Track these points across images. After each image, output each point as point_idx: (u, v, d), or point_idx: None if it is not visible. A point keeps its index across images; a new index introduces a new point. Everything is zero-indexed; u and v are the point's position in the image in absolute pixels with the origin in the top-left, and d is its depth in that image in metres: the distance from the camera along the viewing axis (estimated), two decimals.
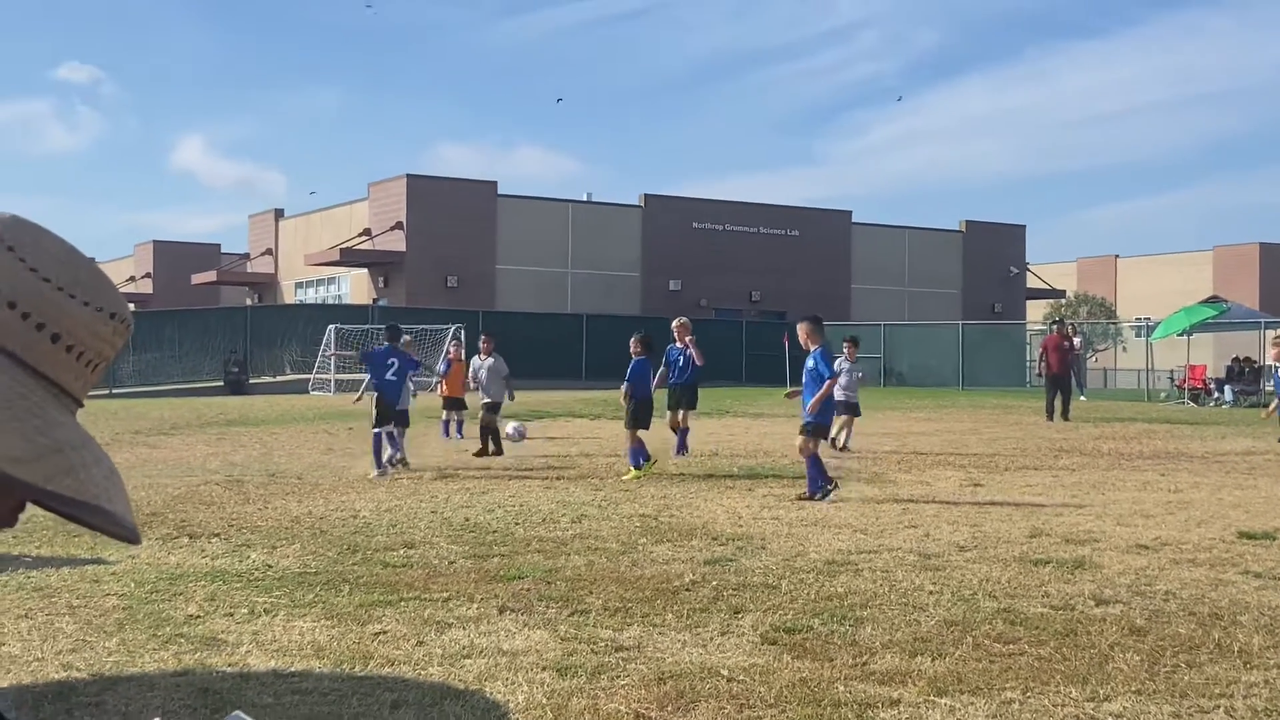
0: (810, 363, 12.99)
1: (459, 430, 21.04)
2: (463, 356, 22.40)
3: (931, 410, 30.85)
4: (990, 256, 62.68)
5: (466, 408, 21.17)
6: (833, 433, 19.62)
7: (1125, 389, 51.61)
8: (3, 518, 1.67)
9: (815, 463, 12.61)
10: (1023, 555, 9.14)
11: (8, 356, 1.58)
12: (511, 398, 19.20)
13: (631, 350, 15.98)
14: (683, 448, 17.59)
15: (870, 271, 59.86)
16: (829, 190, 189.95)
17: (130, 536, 1.68)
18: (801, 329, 13.36)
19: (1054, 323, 29.80)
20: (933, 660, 6.06)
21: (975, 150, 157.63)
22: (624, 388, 15.73)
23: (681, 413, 17.87)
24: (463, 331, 41.58)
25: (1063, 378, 27.06)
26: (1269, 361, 15.00)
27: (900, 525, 10.76)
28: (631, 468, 14.76)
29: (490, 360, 19.10)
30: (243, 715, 1.90)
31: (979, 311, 59.06)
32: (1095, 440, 21.05)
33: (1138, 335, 44.82)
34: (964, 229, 63.49)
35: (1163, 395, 39.16)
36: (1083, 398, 27.01)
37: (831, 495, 12.34)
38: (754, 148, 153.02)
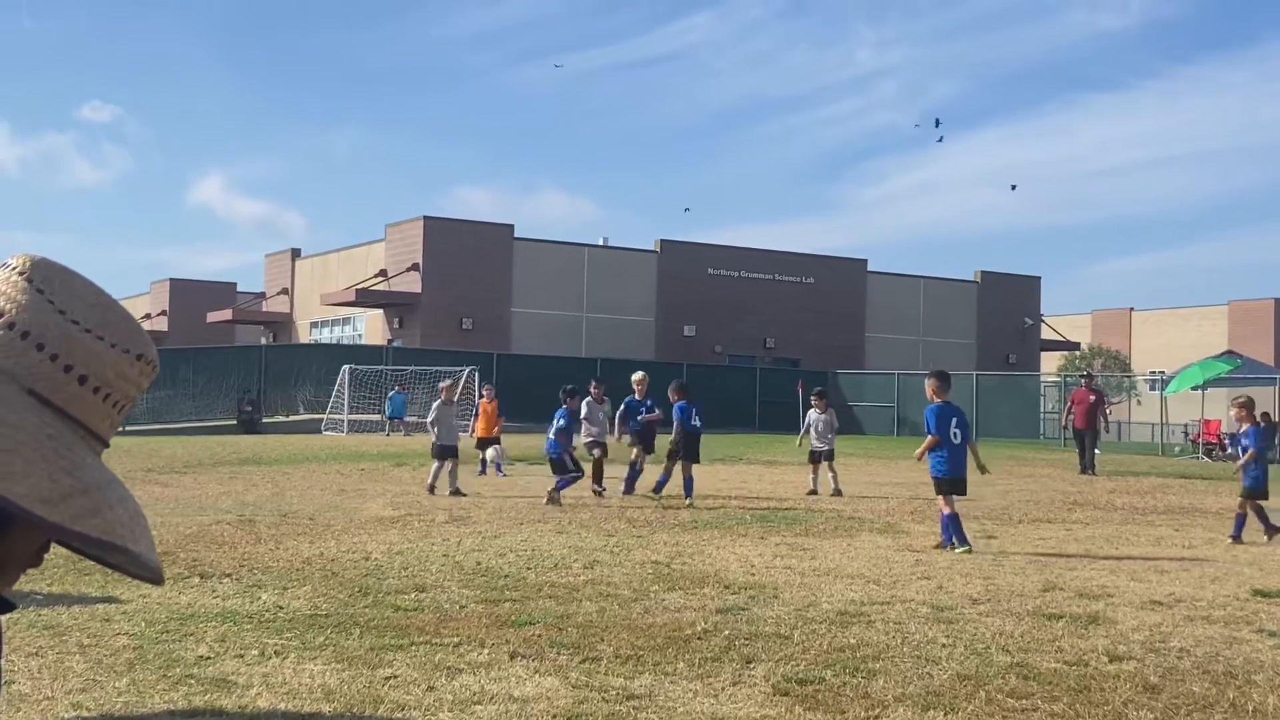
0: (928, 418, 13.42)
1: (498, 468, 22.64)
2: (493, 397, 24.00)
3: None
4: (1005, 307, 62.69)
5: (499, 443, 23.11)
6: (818, 483, 19.74)
7: (1139, 442, 51.39)
8: (30, 558, 1.69)
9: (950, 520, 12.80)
10: (1036, 609, 9.09)
11: (36, 398, 1.60)
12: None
13: (671, 398, 18.04)
14: (630, 489, 18.48)
15: (885, 320, 59.89)
16: (845, 239, 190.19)
17: (154, 577, 1.69)
18: (929, 384, 13.77)
19: (1082, 376, 29.81)
20: (945, 715, 6.02)
21: (991, 201, 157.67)
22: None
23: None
24: (476, 374, 41.67)
25: (1089, 431, 27.06)
26: (1236, 422, 15.08)
27: (913, 576, 10.71)
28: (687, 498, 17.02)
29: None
30: None
31: (993, 362, 59.00)
32: (1109, 494, 20.96)
33: (1152, 389, 44.65)
34: (979, 279, 63.55)
35: (1177, 449, 38.99)
36: (1096, 450, 26.94)
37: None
38: (771, 195, 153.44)
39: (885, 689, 6.55)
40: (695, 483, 17.62)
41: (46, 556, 1.75)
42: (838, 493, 19.44)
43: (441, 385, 20.87)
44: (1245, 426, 14.60)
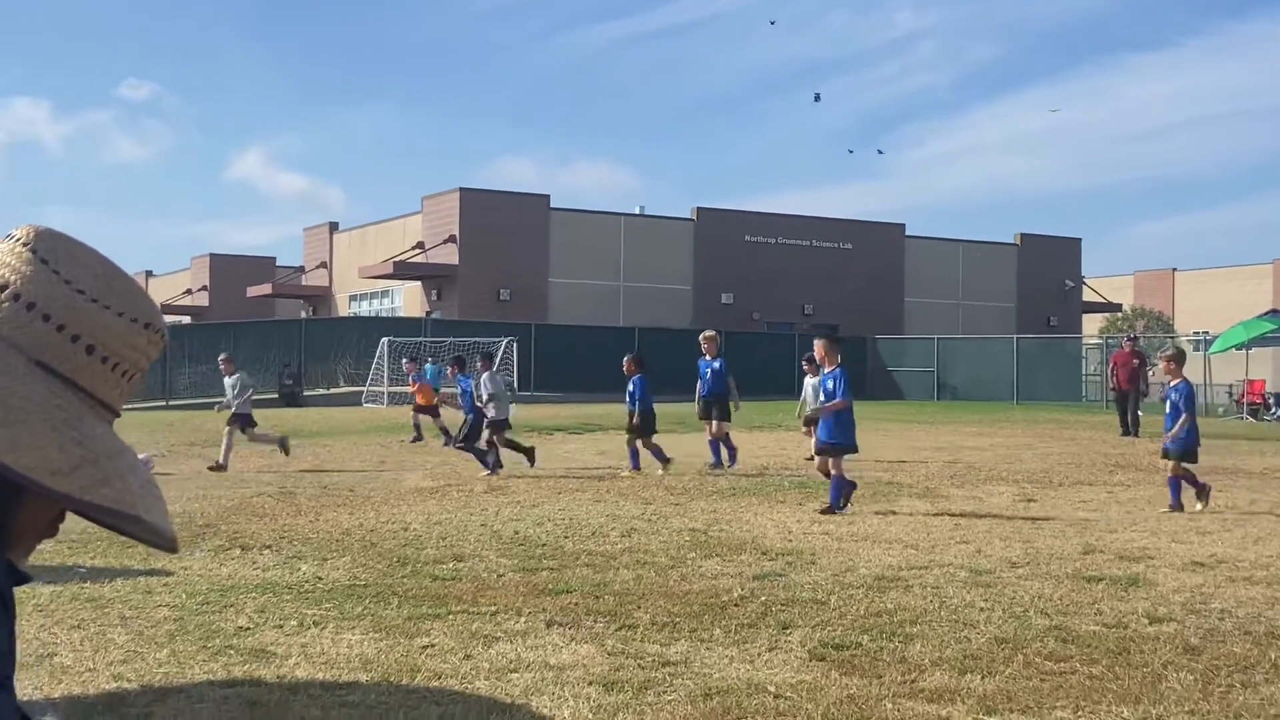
0: (829, 384, 12.85)
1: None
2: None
3: (985, 425, 30.58)
4: (1046, 270, 62.15)
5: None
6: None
7: None
8: (44, 528, 1.69)
9: (841, 481, 12.55)
10: (1076, 572, 9.02)
11: (44, 369, 1.59)
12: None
13: (625, 370, 17.33)
14: (718, 460, 17.61)
15: (924, 285, 59.51)
16: (883, 204, 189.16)
17: (168, 545, 1.69)
18: (819, 346, 13.17)
19: (1127, 339, 29.40)
20: (982, 678, 5.99)
21: (1031, 164, 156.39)
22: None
23: (716, 424, 17.80)
24: (515, 344, 41.76)
25: (1131, 393, 26.73)
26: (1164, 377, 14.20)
27: (952, 541, 10.65)
28: (662, 463, 16.63)
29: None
30: None
31: (1034, 325, 58.56)
32: (1151, 456, 20.75)
33: (1195, 349, 44.24)
34: (1019, 242, 63.00)
35: (1220, 410, 38.58)
36: (1139, 412, 26.59)
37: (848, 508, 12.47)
38: (808, 161, 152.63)
39: (922, 653, 6.52)
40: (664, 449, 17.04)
41: (62, 527, 1.76)
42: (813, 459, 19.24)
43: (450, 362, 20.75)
44: None
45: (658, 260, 53.75)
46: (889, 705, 5.50)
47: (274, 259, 74.11)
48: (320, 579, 8.70)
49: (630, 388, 17.21)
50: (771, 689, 5.77)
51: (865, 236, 58.27)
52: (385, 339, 42.10)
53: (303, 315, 58.09)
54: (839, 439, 12.68)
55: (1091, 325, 65.96)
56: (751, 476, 16.62)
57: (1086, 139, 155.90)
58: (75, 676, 5.95)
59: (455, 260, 50.46)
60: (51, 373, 1.59)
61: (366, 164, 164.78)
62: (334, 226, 61.93)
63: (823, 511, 12.34)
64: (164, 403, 39.43)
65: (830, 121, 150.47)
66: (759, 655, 6.49)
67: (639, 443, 17.00)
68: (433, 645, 6.65)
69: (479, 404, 17.56)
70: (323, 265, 61.77)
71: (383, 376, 41.61)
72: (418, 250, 52.09)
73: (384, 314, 54.56)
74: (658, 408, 18.07)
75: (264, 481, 15.76)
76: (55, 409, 1.54)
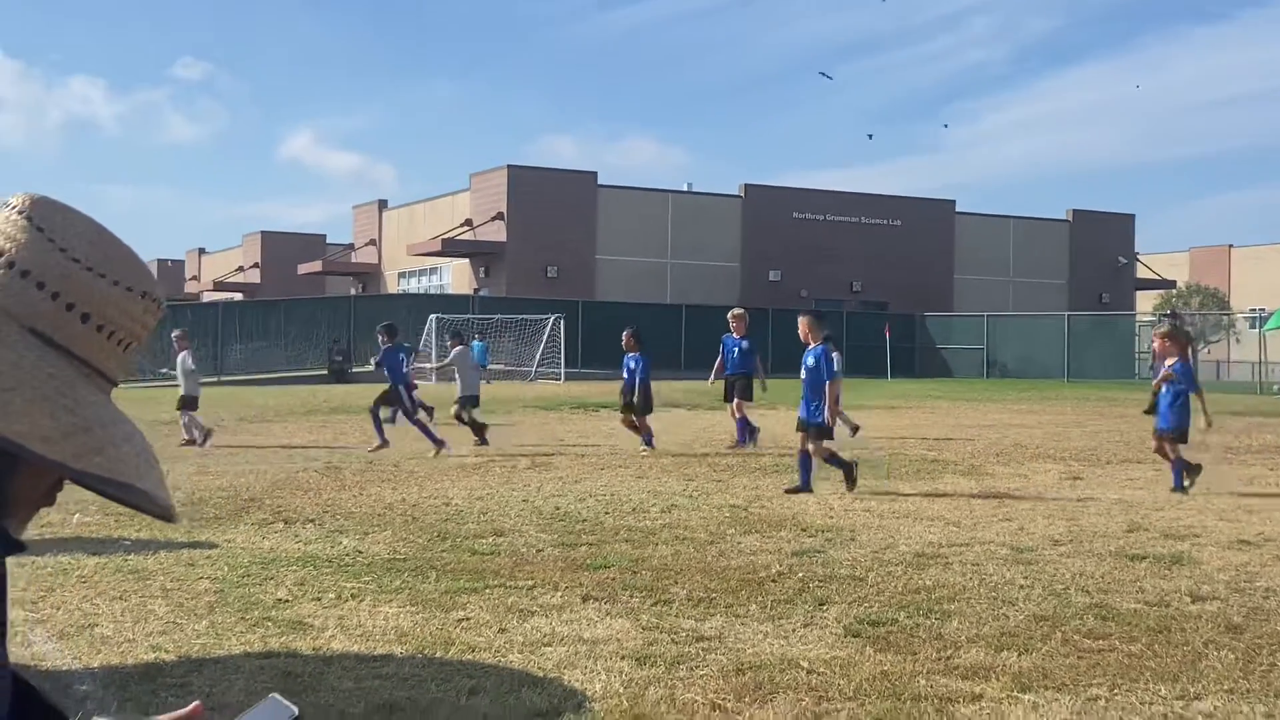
0: (810, 360, 12.45)
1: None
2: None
3: (1034, 402, 30.32)
4: (1098, 246, 61.40)
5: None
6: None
7: (1239, 381, 50.19)
8: (41, 497, 1.68)
9: (818, 461, 12.32)
10: (1119, 550, 8.92)
11: (38, 337, 1.59)
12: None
13: (624, 345, 17.22)
14: (743, 439, 17.35)
15: (974, 262, 58.99)
16: (933, 181, 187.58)
17: (165, 514, 1.68)
18: (802, 323, 12.79)
19: (1164, 315, 28.98)
20: (1019, 655, 5.94)
21: (1085, 139, 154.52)
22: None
23: (736, 401, 17.54)
24: (562, 321, 41.83)
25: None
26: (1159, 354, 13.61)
27: (994, 518, 10.57)
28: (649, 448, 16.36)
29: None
30: (279, 698, 1.90)
31: (1086, 302, 57.94)
32: (1202, 433, 20.49)
33: (1251, 327, 43.58)
34: (1071, 218, 62.28)
35: (1275, 388, 38.04)
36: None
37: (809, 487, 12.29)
38: (857, 139, 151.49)
39: (959, 630, 6.48)
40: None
41: (61, 497, 1.76)
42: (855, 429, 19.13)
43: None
44: None
45: (705, 237, 53.59)
46: (922, 681, 5.46)
47: (324, 236, 74.57)
48: (360, 553, 8.76)
49: (630, 364, 17.01)
50: (805, 664, 5.75)
51: (915, 213, 57.79)
52: (433, 316, 42.30)
53: (352, 292, 58.44)
54: (819, 418, 12.35)
55: (1145, 303, 65.13)
56: (794, 453, 16.53)
57: (1142, 113, 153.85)
58: (114, 647, 6.02)
59: (503, 237, 50.56)
60: (46, 341, 1.59)
61: (417, 142, 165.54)
62: (383, 204, 62.21)
63: (789, 490, 12.13)
64: (216, 379, 39.84)
65: (880, 98, 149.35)
66: (794, 631, 6.47)
67: (633, 419, 16.80)
68: (468, 619, 6.68)
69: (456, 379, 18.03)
70: (372, 243, 62.09)
71: (431, 353, 41.80)
72: (466, 227, 52.23)
73: (432, 291, 54.77)
74: (705, 386, 18.05)
75: (310, 456, 15.89)
76: (48, 377, 1.54)
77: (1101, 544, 9.21)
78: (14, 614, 6.63)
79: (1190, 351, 27.00)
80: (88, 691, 5.26)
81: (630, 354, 17.07)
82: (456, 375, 19.12)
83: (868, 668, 5.70)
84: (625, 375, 17.12)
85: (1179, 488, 12.40)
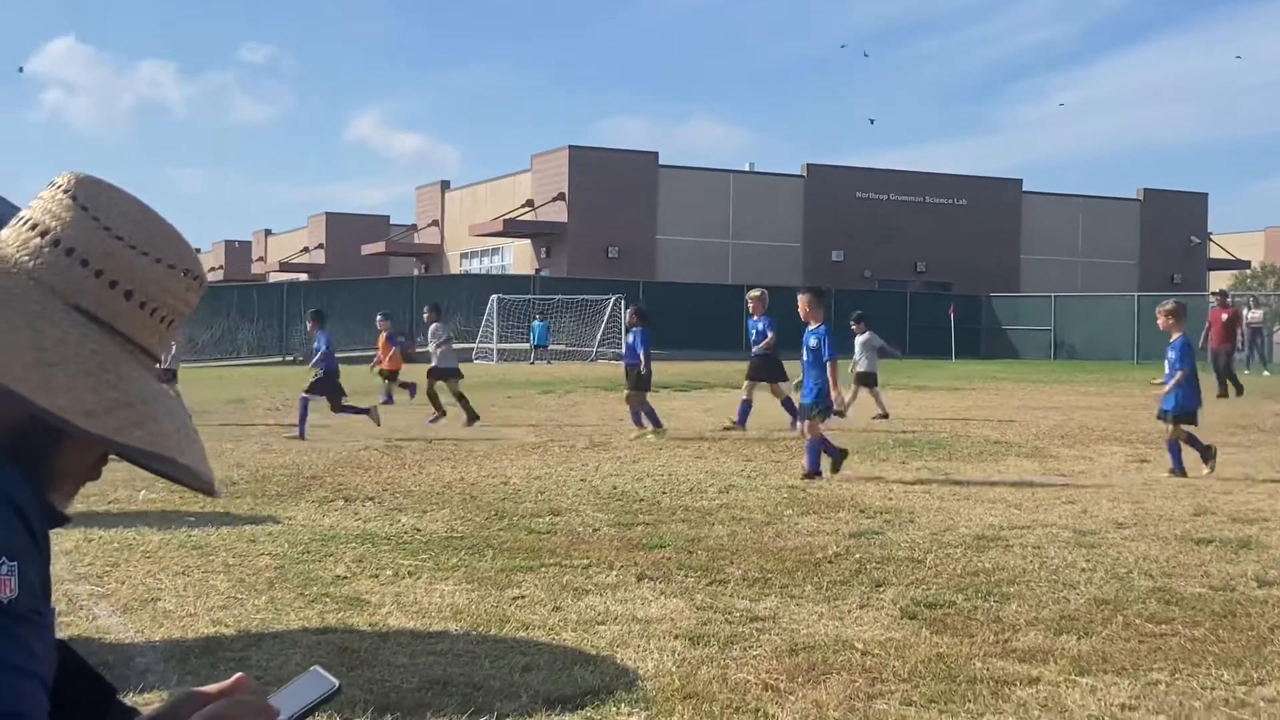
0: (813, 341, 12.06)
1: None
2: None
3: (1103, 384, 29.92)
4: (1170, 226, 60.43)
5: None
6: (881, 404, 19.27)
7: None
8: (86, 471, 1.70)
9: (818, 444, 11.88)
10: (1185, 534, 8.79)
11: (82, 314, 1.60)
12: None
13: (629, 321, 16.91)
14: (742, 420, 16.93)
15: (1041, 242, 58.29)
16: (1000, 161, 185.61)
17: (206, 489, 1.69)
18: (802, 301, 12.32)
19: (1214, 294, 28.36)
20: (1078, 639, 5.86)
21: (1156, 116, 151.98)
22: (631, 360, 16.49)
23: (772, 385, 17.15)
24: (623, 302, 41.82)
25: (1224, 351, 25.75)
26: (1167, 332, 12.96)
27: (1057, 501, 10.45)
28: (638, 428, 15.97)
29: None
30: (321, 670, 1.91)
31: (1157, 283, 57.03)
32: (1276, 417, 20.15)
33: None
34: (1142, 197, 61.34)
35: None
36: (1265, 373, 25.59)
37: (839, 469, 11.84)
38: (925, 117, 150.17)
39: (1018, 613, 6.41)
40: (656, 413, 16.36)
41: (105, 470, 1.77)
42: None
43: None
44: None
45: (767, 217, 53.36)
46: (978, 664, 5.41)
47: (388, 218, 75.09)
48: (419, 530, 8.82)
49: (630, 340, 16.69)
50: (859, 646, 5.72)
51: (980, 192, 57.18)
52: (495, 296, 42.50)
53: (415, 273, 58.81)
54: (822, 401, 11.96)
55: (1219, 283, 64.00)
56: (855, 434, 16.46)
57: (1216, 90, 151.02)
58: (176, 621, 6.10)
59: (564, 218, 50.64)
60: (90, 317, 1.60)
61: (480, 123, 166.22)
62: (445, 185, 62.52)
63: (804, 476, 11.67)
64: (280, 359, 40.31)
65: (946, 77, 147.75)
66: (849, 612, 6.43)
67: (633, 400, 16.40)
68: (523, 597, 6.70)
69: (432, 351, 18.34)
70: (435, 223, 62.44)
71: (492, 333, 42.03)
72: (527, 208, 52.38)
73: (494, 271, 55.00)
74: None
75: (372, 435, 16.02)
76: (91, 353, 1.55)
77: (1167, 527, 9.07)
78: (80, 588, 6.76)
79: (1243, 330, 26.26)
80: (149, 664, 5.34)
81: (634, 328, 16.72)
82: (434, 350, 19.09)
83: (923, 649, 5.66)
84: (626, 354, 16.71)
85: (1177, 470, 12.08)
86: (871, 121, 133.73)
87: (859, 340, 20.05)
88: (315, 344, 17.62)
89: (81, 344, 1.55)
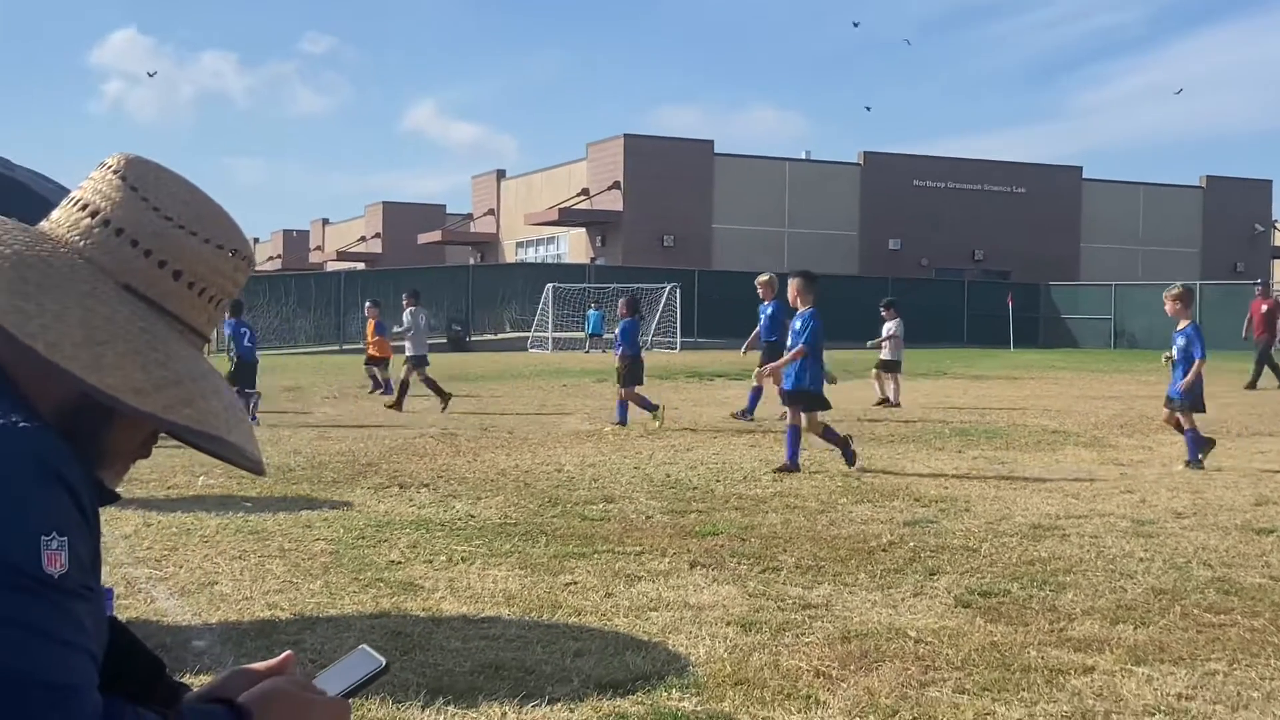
0: (797, 324, 11.73)
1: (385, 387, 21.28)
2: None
3: (1164, 374, 29.46)
4: (1233, 213, 59.54)
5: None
6: (888, 391, 19.07)
7: None
8: (136, 449, 1.72)
9: (828, 435, 11.51)
10: (1245, 524, 8.66)
11: (131, 293, 1.62)
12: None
13: (619, 312, 16.43)
14: (751, 408, 16.65)
15: (1101, 230, 57.63)
16: (1059, 148, 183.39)
17: (255, 468, 1.71)
18: (792, 285, 11.92)
19: (1255, 284, 27.68)
20: (1135, 629, 5.80)
21: (1221, 102, 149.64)
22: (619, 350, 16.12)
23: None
24: (678, 290, 41.77)
25: (1265, 340, 25.12)
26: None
27: (1116, 490, 10.33)
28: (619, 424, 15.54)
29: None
30: (368, 649, 1.92)
31: (1220, 271, 56.21)
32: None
33: None
34: (1204, 184, 60.45)
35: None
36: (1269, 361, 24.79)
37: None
38: (983, 104, 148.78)
39: (1074, 602, 6.34)
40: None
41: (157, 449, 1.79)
42: (891, 403, 18.94)
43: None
44: None
45: (823, 206, 53.11)
46: (1033, 653, 5.36)
47: (444, 207, 75.50)
48: (473, 517, 8.86)
49: (619, 331, 16.28)
50: (912, 634, 5.68)
51: (1039, 180, 56.59)
52: (550, 285, 42.61)
53: (471, 262, 59.08)
54: (808, 385, 11.47)
55: None
56: (910, 423, 16.37)
57: None
58: (232, 604, 6.18)
59: (619, 207, 50.67)
60: (139, 297, 1.62)
61: (537, 112, 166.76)
62: (501, 174, 62.73)
63: (778, 470, 11.25)
64: (337, 347, 40.64)
65: (1007, 63, 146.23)
66: (902, 601, 6.39)
67: (621, 392, 15.98)
68: (576, 583, 6.72)
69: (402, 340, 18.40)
70: (490, 212, 62.68)
71: (547, 322, 42.14)
72: (582, 197, 52.44)
73: (549, 260, 55.14)
74: (827, 354, 17.57)
75: (427, 423, 16.12)
76: (140, 331, 1.57)
77: (1227, 517, 8.95)
78: (139, 571, 6.85)
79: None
80: (205, 646, 5.41)
81: (622, 320, 16.36)
82: (410, 336, 19.16)
83: (977, 638, 5.62)
84: (615, 345, 16.21)
85: (1194, 461, 11.73)
86: (868, 109, 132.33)
87: (886, 327, 19.91)
88: (229, 329, 17.21)
89: (131, 322, 1.57)
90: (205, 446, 1.63)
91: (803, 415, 11.53)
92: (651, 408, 15.53)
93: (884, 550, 7.70)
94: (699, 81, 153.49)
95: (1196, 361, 11.83)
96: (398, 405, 18.14)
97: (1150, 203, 59.15)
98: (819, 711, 4.62)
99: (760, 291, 17.02)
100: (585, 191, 52.52)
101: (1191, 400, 11.88)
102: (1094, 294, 49.56)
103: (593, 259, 50.63)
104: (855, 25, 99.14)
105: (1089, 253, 57.31)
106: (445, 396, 17.96)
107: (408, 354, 18.83)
